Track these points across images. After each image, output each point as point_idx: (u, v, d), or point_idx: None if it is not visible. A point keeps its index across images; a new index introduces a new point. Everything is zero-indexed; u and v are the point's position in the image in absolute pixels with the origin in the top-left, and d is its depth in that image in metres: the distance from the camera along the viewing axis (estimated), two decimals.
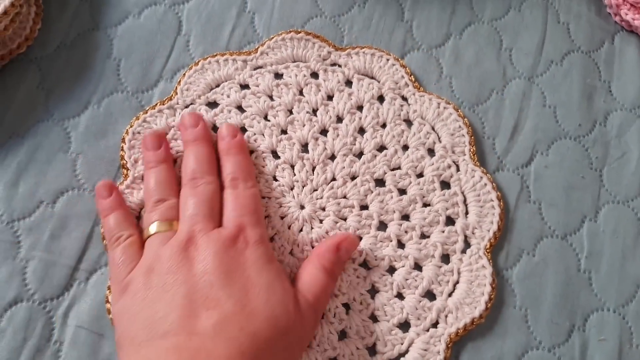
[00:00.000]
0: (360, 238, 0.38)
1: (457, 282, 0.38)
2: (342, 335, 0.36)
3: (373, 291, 0.37)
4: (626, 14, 0.44)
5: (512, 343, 0.36)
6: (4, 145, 0.39)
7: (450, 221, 0.39)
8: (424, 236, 0.39)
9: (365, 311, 0.37)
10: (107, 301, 0.36)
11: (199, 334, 0.30)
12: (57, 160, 0.40)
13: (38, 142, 0.40)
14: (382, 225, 0.39)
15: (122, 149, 0.40)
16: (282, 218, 0.39)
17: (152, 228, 0.35)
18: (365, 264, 0.38)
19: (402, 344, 0.36)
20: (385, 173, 0.40)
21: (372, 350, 0.36)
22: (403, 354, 0.36)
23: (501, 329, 0.37)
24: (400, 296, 0.37)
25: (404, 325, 0.37)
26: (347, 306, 0.37)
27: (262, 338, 0.30)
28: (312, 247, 0.38)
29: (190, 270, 0.32)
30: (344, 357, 0.35)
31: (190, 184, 0.36)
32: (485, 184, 0.40)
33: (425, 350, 0.36)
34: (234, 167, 0.37)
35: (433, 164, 0.40)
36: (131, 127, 0.40)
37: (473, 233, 0.39)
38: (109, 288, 0.36)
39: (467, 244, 0.39)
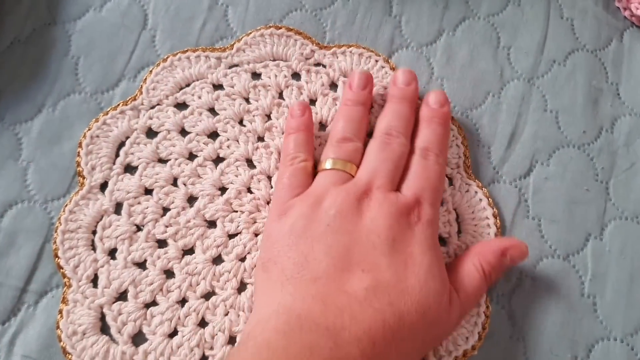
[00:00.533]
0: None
1: None
2: None
3: None
4: (637, 9, 0.40)
5: None
6: None
7: (441, 241, 0.35)
8: None
9: None
10: (58, 327, 0.32)
11: (348, 293, 0.28)
12: (6, 168, 0.35)
13: None
14: None
15: (79, 155, 0.35)
16: (255, 235, 0.35)
17: (329, 163, 0.33)
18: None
19: None
20: None
21: None
22: None
23: (498, 357, 0.33)
24: None
25: None
26: None
27: (408, 321, 0.28)
28: None
29: (358, 223, 0.30)
30: None
31: (383, 138, 0.34)
32: (480, 200, 0.36)
33: None
34: (431, 137, 0.35)
35: None
36: (89, 130, 0.36)
37: None
38: (60, 312, 0.32)
39: None
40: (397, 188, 0.33)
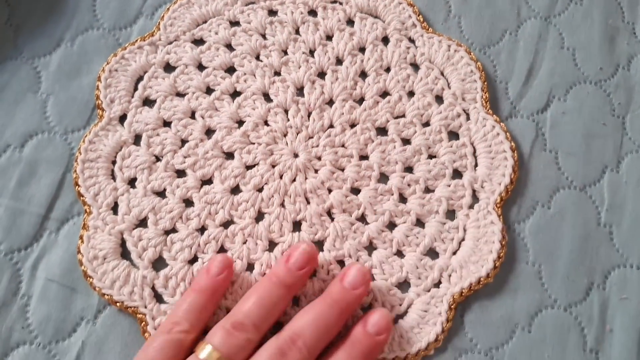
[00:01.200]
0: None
1: (463, 240, 0.34)
2: None
3: (370, 248, 0.34)
4: None
5: (524, 301, 0.33)
6: None
7: (457, 174, 0.35)
8: (428, 190, 0.35)
9: None
10: (79, 252, 0.32)
11: None
12: (26, 101, 0.35)
13: (5, 81, 0.36)
14: (383, 178, 0.35)
15: (98, 88, 0.35)
16: (273, 167, 0.35)
17: (205, 353, 0.28)
18: (363, 219, 0.34)
19: (400, 304, 0.32)
20: (388, 121, 0.36)
21: (368, 310, 0.32)
22: (401, 316, 0.32)
23: (512, 287, 0.33)
24: (400, 254, 0.34)
25: (404, 285, 0.33)
26: (341, 263, 0.33)
27: None
28: (306, 199, 0.34)
29: None
30: None
31: (285, 344, 0.28)
32: (498, 134, 0.36)
33: (425, 311, 0.32)
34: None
35: (441, 113, 0.36)
36: (108, 64, 0.36)
37: (482, 187, 0.35)
38: (81, 238, 0.33)
39: (475, 199, 0.35)
40: None
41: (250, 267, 0.33)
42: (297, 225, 0.34)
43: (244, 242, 0.33)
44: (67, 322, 0.32)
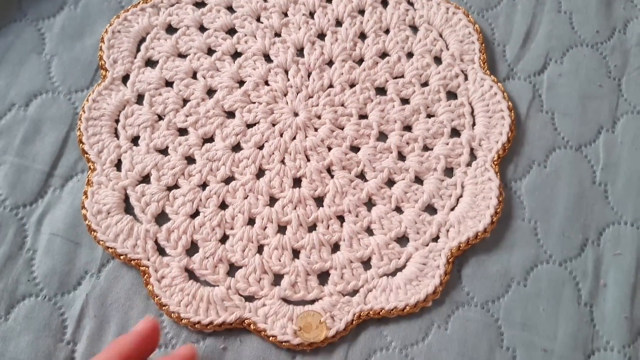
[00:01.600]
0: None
1: (461, 196, 0.34)
2: (335, 248, 0.33)
3: (370, 204, 0.34)
4: None
5: (519, 257, 0.33)
6: None
7: (455, 133, 0.36)
8: (426, 148, 0.35)
9: (361, 224, 0.33)
10: (83, 206, 0.33)
11: None
12: (30, 61, 0.36)
13: (10, 42, 0.36)
14: (382, 136, 0.35)
15: (101, 49, 0.36)
16: (273, 125, 0.35)
17: None
18: (362, 176, 0.35)
19: (399, 258, 0.33)
20: (387, 81, 0.36)
21: (367, 264, 0.33)
22: (400, 269, 0.33)
23: (508, 243, 0.33)
24: (398, 210, 0.34)
25: (402, 240, 0.33)
26: (341, 218, 0.34)
27: None
28: (306, 157, 0.34)
29: None
30: (335, 270, 0.32)
31: None
32: (496, 93, 0.36)
33: (424, 264, 0.33)
34: None
35: (439, 73, 0.37)
36: (111, 25, 0.36)
37: (480, 145, 0.35)
38: (85, 194, 0.33)
39: (473, 157, 0.35)
40: None
41: (251, 221, 0.33)
42: (297, 182, 0.34)
43: (245, 197, 0.33)
44: (71, 276, 0.32)
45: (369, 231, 0.33)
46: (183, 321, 0.31)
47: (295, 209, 0.33)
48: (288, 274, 0.32)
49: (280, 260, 0.32)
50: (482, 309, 0.32)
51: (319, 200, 0.34)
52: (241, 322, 0.31)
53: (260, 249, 0.33)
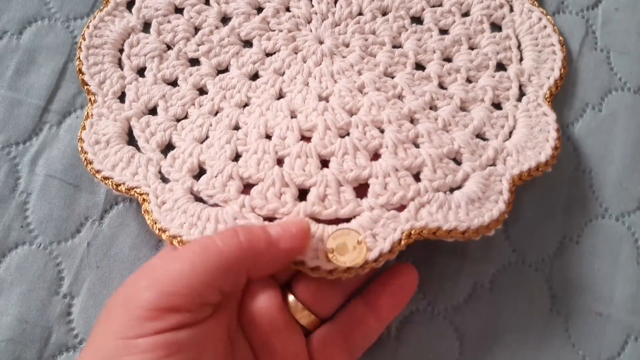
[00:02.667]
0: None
1: (514, 129, 0.29)
2: (375, 158, 0.27)
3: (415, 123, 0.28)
4: None
5: (572, 210, 0.29)
6: None
7: (501, 67, 0.31)
8: (470, 81, 0.30)
9: (407, 134, 0.27)
10: (80, 138, 0.28)
11: None
12: None
13: None
14: (419, 67, 0.30)
15: None
16: (295, 53, 0.30)
17: None
18: (400, 99, 0.29)
19: (455, 175, 0.27)
20: (424, 9, 0.32)
21: (416, 178, 0.27)
22: (456, 189, 0.27)
23: (562, 192, 0.29)
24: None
25: (455, 162, 0.28)
26: (380, 129, 0.28)
27: None
28: (333, 79, 0.29)
29: None
30: (377, 178, 0.26)
31: None
32: (545, 26, 0.31)
33: (486, 186, 0.27)
34: None
35: (482, 2, 0.32)
36: None
37: (530, 80, 0.30)
38: (83, 127, 0.28)
39: (522, 93, 0.30)
40: None
41: (268, 137, 0.28)
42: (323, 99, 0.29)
43: (262, 115, 0.28)
44: (70, 222, 0.28)
45: (416, 145, 0.27)
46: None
47: (322, 114, 0.28)
48: (315, 186, 0.26)
49: (304, 171, 0.26)
50: (531, 267, 0.28)
51: (352, 114, 0.28)
52: None
53: (280, 162, 0.27)
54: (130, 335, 0.21)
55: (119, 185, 0.27)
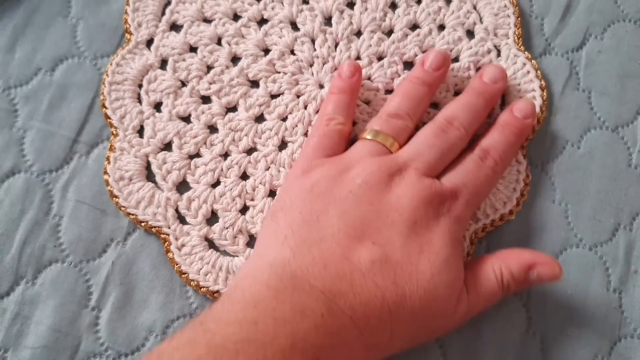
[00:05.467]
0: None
1: None
2: None
3: None
4: None
5: (549, 239, 0.30)
6: None
7: None
8: None
9: None
10: (106, 172, 0.30)
11: (352, 262, 0.24)
12: (56, 25, 0.32)
13: (35, 4, 0.33)
14: None
15: (126, 12, 0.32)
16: (298, 97, 0.31)
17: (371, 134, 0.28)
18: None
19: None
20: (417, 55, 0.32)
21: None
22: None
23: (537, 225, 0.30)
24: None
25: None
26: None
27: (409, 305, 0.24)
28: None
29: (383, 197, 0.26)
30: None
31: (441, 124, 0.28)
32: (528, 72, 0.32)
33: None
34: (498, 142, 0.29)
35: (471, 48, 0.32)
36: None
37: None
38: (107, 159, 0.30)
39: None
40: (439, 177, 0.28)
41: (272, 193, 0.30)
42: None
43: (267, 169, 0.30)
44: (97, 243, 0.30)
45: None
46: (202, 289, 0.28)
47: None
48: None
49: None
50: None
51: None
52: None
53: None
54: None
55: (142, 222, 0.29)
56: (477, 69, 0.32)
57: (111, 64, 0.31)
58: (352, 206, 0.25)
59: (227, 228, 0.29)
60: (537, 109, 0.31)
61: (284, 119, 0.31)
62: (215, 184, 0.30)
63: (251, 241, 0.29)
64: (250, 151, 0.31)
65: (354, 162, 0.27)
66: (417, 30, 0.33)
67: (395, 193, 0.26)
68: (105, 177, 0.30)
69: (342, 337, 0.22)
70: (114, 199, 0.29)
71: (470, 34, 0.33)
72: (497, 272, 0.27)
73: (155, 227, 0.29)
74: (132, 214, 0.29)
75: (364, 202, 0.26)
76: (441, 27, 0.33)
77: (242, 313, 0.22)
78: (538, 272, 0.26)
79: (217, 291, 0.28)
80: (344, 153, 0.28)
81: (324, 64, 0.32)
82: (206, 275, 0.28)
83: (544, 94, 0.31)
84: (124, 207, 0.29)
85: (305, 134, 0.31)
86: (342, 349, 0.22)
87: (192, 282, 0.28)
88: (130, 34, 0.32)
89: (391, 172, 0.26)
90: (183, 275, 0.28)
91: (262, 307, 0.22)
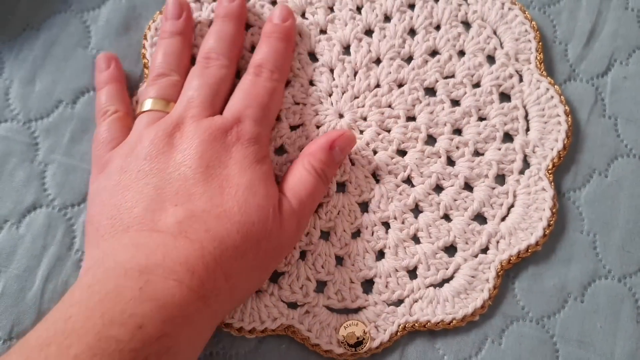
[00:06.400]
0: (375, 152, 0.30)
1: (512, 206, 0.30)
2: (380, 255, 0.29)
3: (417, 211, 0.30)
4: None
5: (577, 271, 0.29)
6: (18, 38, 0.32)
7: (508, 138, 0.31)
8: (477, 153, 0.30)
9: (407, 231, 0.29)
10: None
11: (161, 232, 0.24)
12: (76, 56, 0.32)
13: (55, 36, 0.32)
14: (431, 140, 0.31)
15: (144, 47, 0.32)
16: (317, 127, 0.31)
17: (146, 104, 0.29)
18: (409, 181, 0.30)
19: (447, 268, 0.29)
20: (437, 81, 0.31)
21: (413, 273, 0.29)
22: (447, 280, 0.29)
23: (565, 256, 0.29)
24: (447, 218, 0.29)
25: (450, 250, 0.29)
26: (386, 225, 0.29)
27: (230, 244, 0.24)
28: (351, 161, 0.30)
29: (169, 159, 0.26)
30: (380, 278, 0.29)
31: (201, 63, 0.29)
32: (552, 97, 0.31)
33: (473, 277, 0.28)
34: (267, 53, 0.29)
35: (492, 73, 0.31)
36: (154, 22, 0.32)
37: (534, 152, 0.30)
38: None
39: (526, 164, 0.30)
40: (221, 112, 0.28)
41: None
42: (341, 187, 0.30)
43: None
44: None
45: (416, 239, 0.29)
46: (226, 327, 0.28)
47: (338, 214, 0.29)
48: (331, 281, 0.29)
49: (323, 268, 0.29)
50: (537, 324, 0.28)
51: (364, 206, 0.30)
52: (284, 329, 0.28)
53: (302, 255, 0.29)
54: None
55: None
56: (500, 94, 0.31)
57: (132, 99, 0.31)
58: (145, 182, 0.26)
59: None
60: (563, 135, 0.30)
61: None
62: None
63: (273, 276, 0.29)
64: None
65: (136, 141, 0.27)
66: (437, 57, 0.32)
67: (180, 149, 0.26)
68: None
69: (168, 299, 0.22)
70: None
71: (491, 59, 0.32)
72: (308, 168, 0.28)
73: None
74: None
75: (154, 172, 0.26)
76: (461, 53, 0.32)
77: (62, 313, 0.22)
78: (339, 147, 0.28)
79: (241, 327, 0.28)
80: (128, 136, 0.28)
81: (343, 93, 0.31)
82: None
83: (569, 119, 0.30)
84: None
85: None
86: (173, 309, 0.22)
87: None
88: (148, 68, 0.31)
89: (168, 132, 0.27)
90: None
91: (77, 301, 0.23)
